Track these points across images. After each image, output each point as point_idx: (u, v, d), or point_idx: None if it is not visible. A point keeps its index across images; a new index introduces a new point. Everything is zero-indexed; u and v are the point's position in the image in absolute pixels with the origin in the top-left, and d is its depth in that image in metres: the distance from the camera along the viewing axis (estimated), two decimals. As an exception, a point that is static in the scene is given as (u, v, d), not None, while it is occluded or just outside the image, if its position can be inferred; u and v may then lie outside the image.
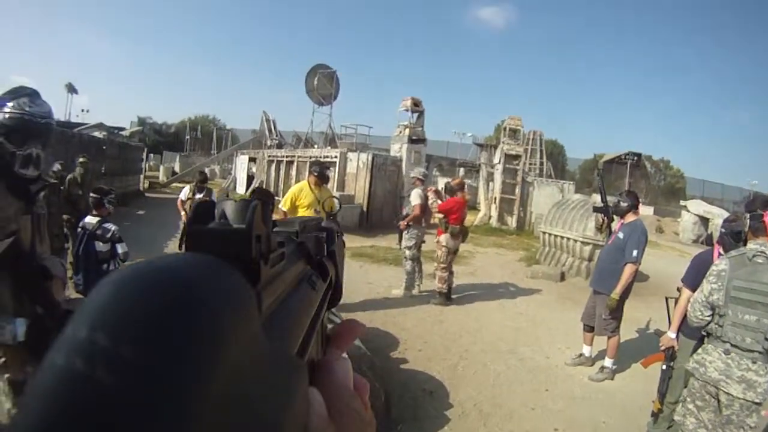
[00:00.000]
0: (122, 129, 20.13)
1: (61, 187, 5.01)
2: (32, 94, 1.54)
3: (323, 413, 0.22)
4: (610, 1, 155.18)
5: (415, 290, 5.66)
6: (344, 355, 0.31)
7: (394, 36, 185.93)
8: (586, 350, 4.07)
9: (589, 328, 4.01)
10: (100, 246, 3.53)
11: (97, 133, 14.60)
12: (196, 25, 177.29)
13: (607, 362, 3.85)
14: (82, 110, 34.40)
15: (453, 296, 5.60)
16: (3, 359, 1.46)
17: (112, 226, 3.59)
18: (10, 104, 1.48)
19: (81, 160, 5.87)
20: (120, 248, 3.59)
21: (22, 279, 1.42)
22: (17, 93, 1.51)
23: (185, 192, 6.13)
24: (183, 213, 6.09)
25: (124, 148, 14.93)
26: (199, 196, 5.86)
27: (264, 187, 14.58)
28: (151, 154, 29.51)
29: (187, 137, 40.04)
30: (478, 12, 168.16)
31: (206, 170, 9.08)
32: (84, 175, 5.61)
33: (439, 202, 5.69)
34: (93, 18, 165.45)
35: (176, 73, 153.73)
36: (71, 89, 29.00)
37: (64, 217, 4.61)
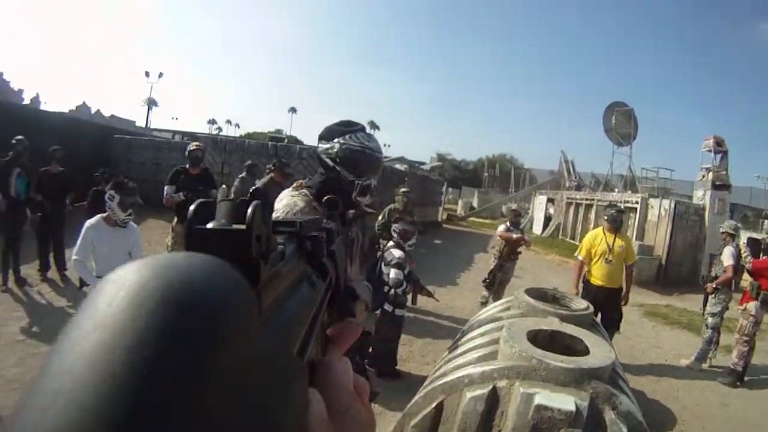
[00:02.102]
0: (422, 163, 21.62)
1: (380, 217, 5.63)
2: (364, 130, 1.59)
3: (322, 414, 0.22)
4: None
5: (705, 363, 5.03)
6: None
7: (695, 65, 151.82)
8: None
9: None
10: (385, 269, 3.81)
11: (398, 166, 15.08)
12: (494, 64, 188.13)
13: None
14: (384, 145, 41.94)
15: (745, 377, 4.69)
16: None
17: (398, 253, 3.80)
18: (348, 137, 1.53)
19: (403, 190, 5.96)
20: (393, 273, 3.70)
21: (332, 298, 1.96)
22: (353, 127, 1.56)
23: (501, 229, 5.94)
24: (497, 248, 5.96)
25: (424, 180, 15.42)
26: (514, 234, 5.79)
27: (561, 226, 14.87)
28: (450, 188, 31.10)
29: (486, 174, 43.15)
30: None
31: (514, 206, 9.12)
32: (406, 205, 5.65)
33: (751, 259, 4.90)
34: (392, 60, 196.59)
35: (474, 111, 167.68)
36: (373, 126, 34.80)
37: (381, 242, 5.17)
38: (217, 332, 0.14)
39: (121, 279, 0.14)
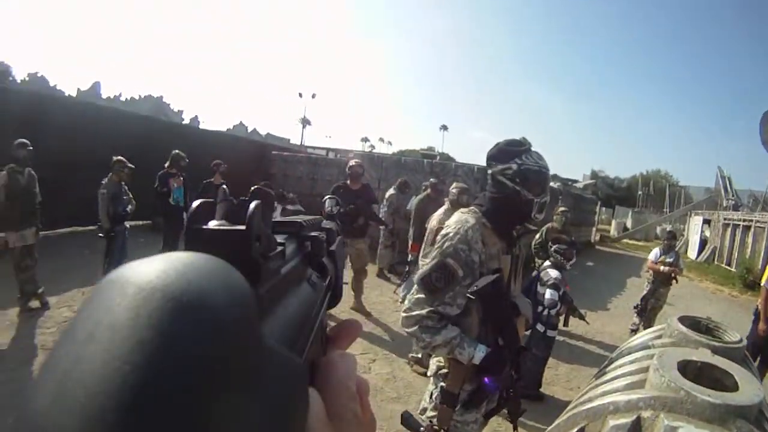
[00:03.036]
0: (575, 181, 20.51)
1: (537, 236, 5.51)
2: (531, 148, 1.61)
3: (322, 415, 0.22)
4: None
5: None
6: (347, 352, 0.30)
7: None
8: None
9: None
10: (540, 289, 3.74)
11: (551, 183, 15.40)
12: (645, 78, 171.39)
13: None
14: None
15: None
16: (446, 371, 1.58)
17: (554, 273, 3.72)
18: (523, 157, 1.56)
19: (562, 209, 5.79)
20: (548, 294, 3.64)
21: (494, 311, 1.53)
22: (523, 146, 1.60)
23: (655, 253, 5.74)
24: (651, 273, 5.70)
25: (578, 199, 14.86)
26: (669, 259, 5.44)
27: (717, 250, 12.93)
28: (603, 208, 29.70)
29: (639, 192, 39.14)
30: None
31: (669, 227, 8.68)
32: (564, 225, 5.52)
33: None
34: (539, 75, 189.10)
35: (628, 127, 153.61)
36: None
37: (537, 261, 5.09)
38: (216, 332, 0.14)
39: (121, 278, 0.14)
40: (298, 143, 43.13)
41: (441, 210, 4.08)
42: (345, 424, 0.24)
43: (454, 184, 4.32)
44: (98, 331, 0.13)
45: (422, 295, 1.51)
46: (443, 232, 1.56)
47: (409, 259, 5.22)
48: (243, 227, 0.21)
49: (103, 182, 4.52)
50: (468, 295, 1.49)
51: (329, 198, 5.00)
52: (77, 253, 5.98)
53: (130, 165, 4.65)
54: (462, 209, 1.66)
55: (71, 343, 0.13)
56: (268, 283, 0.22)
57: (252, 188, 0.26)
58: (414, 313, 1.51)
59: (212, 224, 0.22)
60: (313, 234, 0.34)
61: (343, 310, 4.94)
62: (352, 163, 5.19)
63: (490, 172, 1.62)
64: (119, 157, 4.66)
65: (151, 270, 0.15)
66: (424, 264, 1.70)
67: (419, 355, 3.79)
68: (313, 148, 30.35)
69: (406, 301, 1.57)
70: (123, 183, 4.63)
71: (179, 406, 0.12)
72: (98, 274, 4.82)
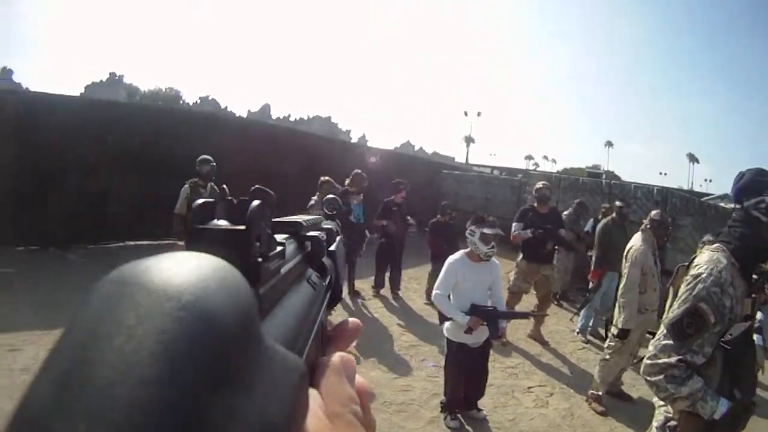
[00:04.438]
0: None
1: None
2: None
3: (321, 416, 0.22)
4: None
5: None
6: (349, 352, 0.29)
7: None
8: None
9: None
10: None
11: (723, 204, 13.26)
12: None
13: None
14: (705, 180, 32.95)
15: None
16: (675, 423, 1.48)
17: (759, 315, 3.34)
18: None
19: None
20: (758, 340, 3.29)
21: (741, 363, 1.43)
22: None
23: None
24: None
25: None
26: None
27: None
28: None
29: None
30: None
31: None
32: None
33: None
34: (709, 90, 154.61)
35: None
36: (692, 159, 28.61)
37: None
38: (216, 332, 0.14)
39: (121, 278, 0.14)
40: (463, 161, 43.25)
41: (638, 238, 3.67)
42: (345, 425, 0.23)
43: (653, 212, 3.89)
44: (98, 331, 0.13)
45: (670, 342, 1.44)
46: (694, 272, 1.48)
47: (589, 286, 4.84)
48: (243, 227, 0.21)
49: (313, 201, 4.78)
50: (721, 344, 1.38)
51: (516, 223, 4.92)
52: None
53: (336, 185, 4.94)
54: (709, 246, 1.56)
55: (72, 343, 0.13)
56: (268, 283, 0.22)
57: (252, 188, 0.26)
58: (660, 361, 1.43)
59: (213, 224, 0.22)
60: (313, 234, 0.34)
61: (519, 337, 4.75)
62: (539, 185, 5.01)
63: (740, 205, 1.52)
64: (326, 178, 4.91)
65: (151, 270, 0.14)
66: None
67: (599, 393, 3.55)
68: (478, 166, 30.05)
69: (650, 347, 1.49)
70: None
71: (179, 405, 0.12)
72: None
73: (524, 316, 3.76)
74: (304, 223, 0.34)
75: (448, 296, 2.98)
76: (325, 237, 0.37)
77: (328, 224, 0.43)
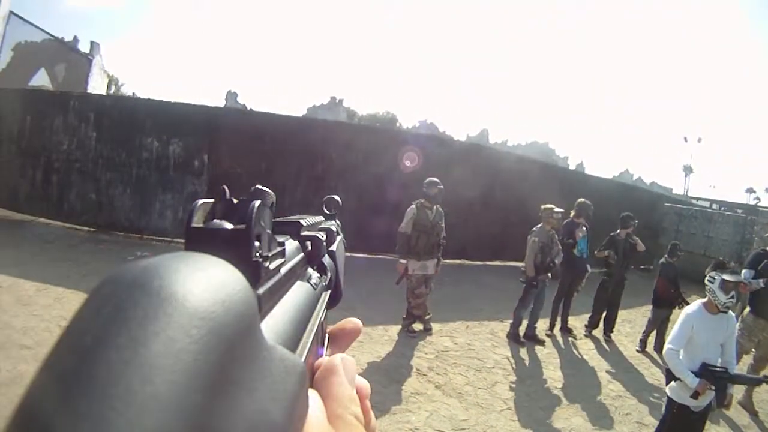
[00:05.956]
0: None
1: None
2: None
3: (322, 416, 0.22)
4: None
5: None
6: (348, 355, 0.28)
7: None
8: None
9: None
10: None
11: None
12: None
13: None
14: None
15: None
16: None
17: None
18: None
19: None
20: None
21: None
22: None
23: None
24: None
25: None
26: None
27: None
28: None
29: None
30: None
31: None
32: None
33: None
34: None
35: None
36: None
37: None
38: (216, 332, 0.14)
39: (121, 279, 0.14)
40: (681, 193, 36.56)
41: None
42: (345, 426, 0.23)
43: None
44: (99, 332, 0.13)
45: None
46: None
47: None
48: (243, 227, 0.21)
49: (534, 229, 4.68)
50: None
51: (747, 270, 4.37)
52: (468, 287, 6.61)
53: (558, 210, 4.73)
54: None
55: (72, 342, 0.13)
56: (268, 283, 0.21)
57: (252, 188, 0.25)
58: None
59: (213, 224, 0.21)
60: (313, 234, 0.34)
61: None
62: None
63: None
64: (548, 205, 4.74)
65: (151, 270, 0.14)
66: None
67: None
68: (697, 199, 25.26)
69: None
70: (552, 231, 4.72)
71: (180, 405, 0.12)
72: (502, 312, 5.28)
73: (759, 382, 3.23)
74: (305, 223, 0.34)
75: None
76: (325, 237, 0.36)
77: (328, 224, 0.43)
